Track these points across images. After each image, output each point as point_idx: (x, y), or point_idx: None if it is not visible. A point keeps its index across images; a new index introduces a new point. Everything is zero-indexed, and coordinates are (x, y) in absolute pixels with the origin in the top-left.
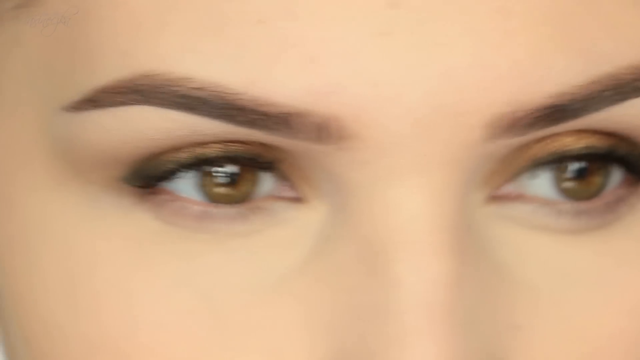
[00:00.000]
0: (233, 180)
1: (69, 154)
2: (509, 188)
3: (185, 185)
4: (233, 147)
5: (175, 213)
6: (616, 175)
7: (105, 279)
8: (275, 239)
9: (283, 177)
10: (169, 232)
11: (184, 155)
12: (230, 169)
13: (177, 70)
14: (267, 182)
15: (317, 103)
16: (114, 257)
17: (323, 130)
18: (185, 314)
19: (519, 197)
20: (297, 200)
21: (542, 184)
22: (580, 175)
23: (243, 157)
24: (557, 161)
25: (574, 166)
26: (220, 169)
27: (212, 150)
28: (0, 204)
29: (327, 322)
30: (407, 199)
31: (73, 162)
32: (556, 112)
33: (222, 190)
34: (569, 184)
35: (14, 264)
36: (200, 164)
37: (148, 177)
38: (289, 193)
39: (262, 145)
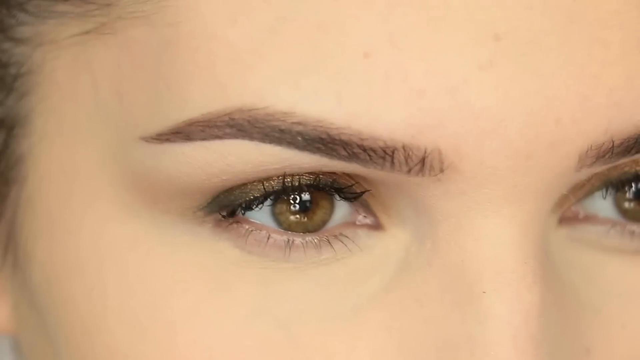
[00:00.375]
0: (307, 208)
1: (145, 184)
2: (576, 209)
3: (260, 213)
4: (324, 178)
5: (259, 243)
6: None
7: (180, 307)
8: (356, 267)
9: (361, 204)
10: (248, 261)
11: (273, 183)
12: (304, 197)
13: (277, 104)
14: (342, 210)
15: (420, 136)
16: (190, 286)
17: (424, 164)
18: (263, 342)
19: (588, 219)
20: (376, 227)
21: (604, 205)
22: (639, 196)
23: (331, 186)
24: (631, 181)
25: (633, 187)
26: (291, 196)
27: (304, 179)
28: (53, 229)
29: (409, 352)
30: (499, 229)
31: (149, 192)
32: None
33: (296, 217)
34: (628, 205)
35: (73, 291)
36: (287, 193)
37: (232, 205)
38: (365, 220)
39: (349, 175)
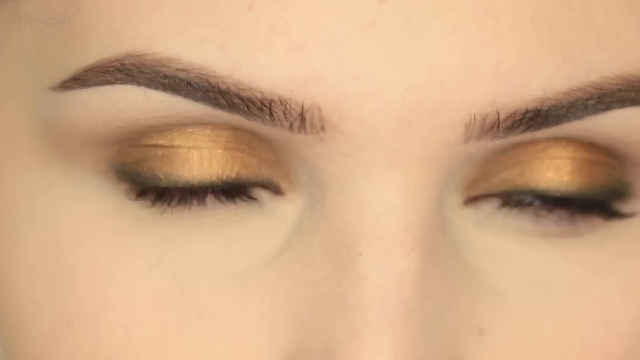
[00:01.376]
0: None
1: (56, 134)
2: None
3: None
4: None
5: (155, 198)
6: None
7: (81, 255)
8: (255, 229)
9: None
10: (151, 216)
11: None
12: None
13: (164, 51)
14: None
15: (299, 91)
16: (92, 236)
17: (303, 119)
18: (156, 295)
19: (487, 196)
20: (277, 191)
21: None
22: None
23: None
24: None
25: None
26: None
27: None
28: None
29: (290, 313)
30: (382, 194)
31: (60, 142)
32: (538, 116)
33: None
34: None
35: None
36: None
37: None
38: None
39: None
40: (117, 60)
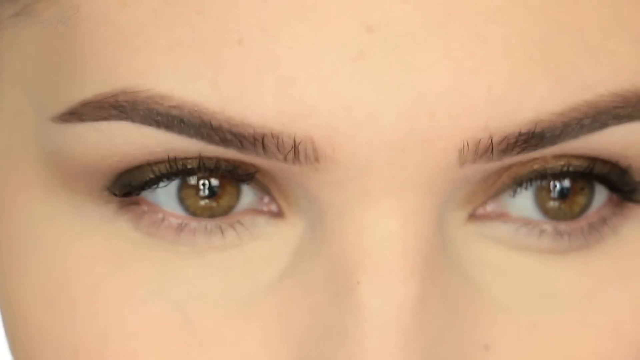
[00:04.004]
0: (214, 193)
1: (57, 163)
2: (491, 207)
3: (167, 197)
4: (210, 161)
5: (153, 224)
6: (600, 196)
7: (82, 285)
8: (253, 254)
9: (263, 190)
10: (148, 244)
11: (162, 166)
12: (212, 182)
13: (157, 87)
14: (248, 195)
15: (291, 125)
16: (93, 264)
17: (297, 152)
18: (159, 323)
19: (500, 217)
20: (277, 215)
21: (524, 204)
22: (564, 195)
23: (222, 169)
24: (538, 179)
25: (557, 186)
26: (201, 182)
27: (190, 162)
28: None
29: (292, 339)
30: (379, 221)
31: (60, 171)
32: (533, 138)
33: (203, 203)
34: (552, 204)
35: (3, 266)
36: (179, 174)
37: (129, 186)
38: (269, 207)
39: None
40: (112, 96)
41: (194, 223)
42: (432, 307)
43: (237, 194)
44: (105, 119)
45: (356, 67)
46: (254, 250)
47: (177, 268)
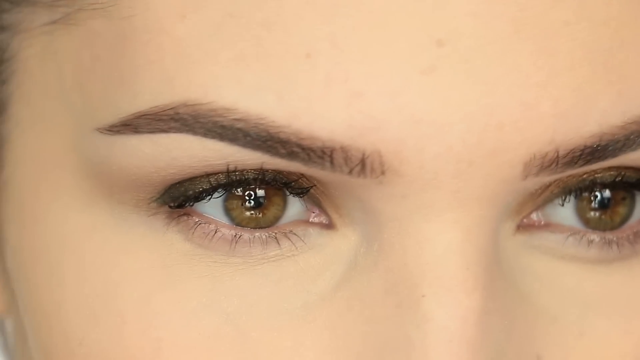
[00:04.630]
0: (260, 204)
1: (101, 174)
2: (537, 217)
3: (213, 208)
4: (270, 173)
5: (206, 236)
6: None
7: (131, 297)
8: (306, 264)
9: (313, 202)
10: (200, 255)
11: (220, 177)
12: (258, 192)
13: (220, 100)
14: (295, 207)
15: (359, 138)
16: (141, 276)
17: (364, 165)
18: (210, 336)
19: (547, 226)
20: (328, 226)
21: (565, 213)
22: (604, 205)
23: (280, 181)
24: (587, 189)
25: (598, 196)
26: (247, 193)
27: (249, 173)
28: (23, 215)
29: (351, 352)
30: (441, 234)
31: (105, 182)
32: (597, 151)
33: (249, 214)
34: (593, 214)
35: (37, 277)
36: (236, 185)
37: (183, 196)
38: (318, 218)
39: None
40: (172, 109)
41: (247, 234)
42: (492, 320)
43: (284, 205)
44: (164, 131)
45: (426, 80)
46: (306, 261)
47: (227, 280)
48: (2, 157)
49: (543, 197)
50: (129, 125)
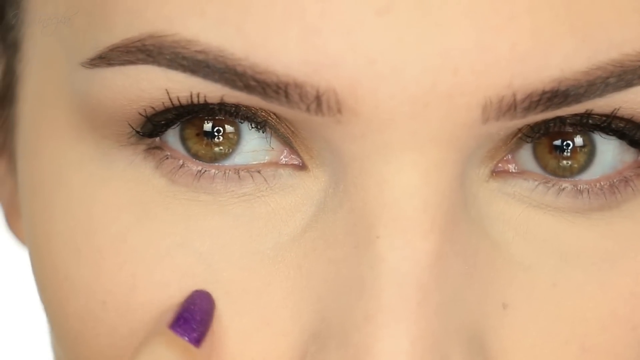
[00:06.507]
0: (213, 136)
1: (86, 108)
2: (512, 165)
3: (173, 137)
4: (230, 106)
5: (173, 170)
6: (626, 155)
7: (109, 232)
8: (277, 206)
9: (284, 142)
10: (173, 192)
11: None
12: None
13: (183, 32)
14: (252, 143)
15: (314, 75)
16: (120, 213)
17: (320, 102)
18: (184, 274)
19: (521, 174)
20: (300, 167)
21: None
22: (562, 150)
23: (241, 113)
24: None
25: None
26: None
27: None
28: (27, 150)
29: (313, 291)
30: (400, 175)
31: (89, 117)
32: (557, 97)
33: (203, 145)
34: (552, 161)
35: (34, 211)
36: (200, 112)
37: (150, 123)
38: (290, 159)
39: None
40: (139, 40)
41: (213, 170)
42: (451, 263)
43: (238, 140)
44: (132, 63)
45: (381, 20)
46: (278, 203)
47: (201, 219)
48: (16, 94)
49: (514, 142)
50: (103, 58)
